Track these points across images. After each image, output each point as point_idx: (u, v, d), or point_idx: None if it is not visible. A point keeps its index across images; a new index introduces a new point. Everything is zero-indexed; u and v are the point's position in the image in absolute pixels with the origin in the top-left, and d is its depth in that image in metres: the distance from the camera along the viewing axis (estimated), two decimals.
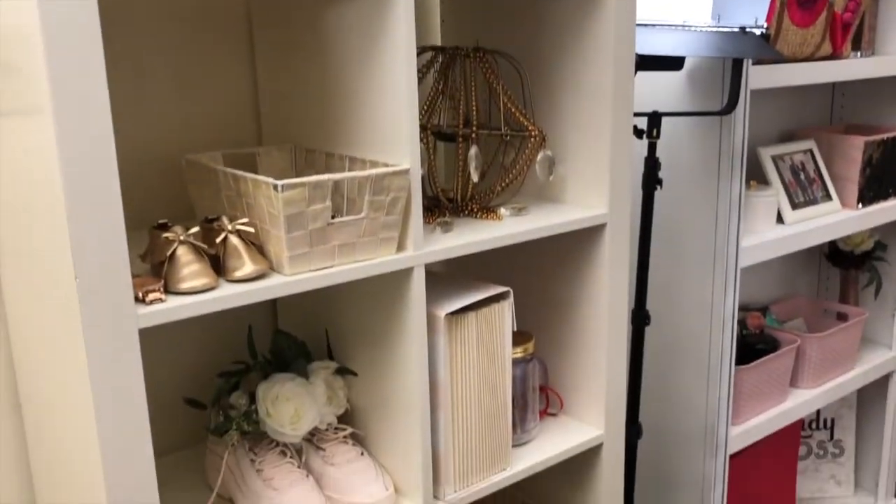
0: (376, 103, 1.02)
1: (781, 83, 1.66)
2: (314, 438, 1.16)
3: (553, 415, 1.40)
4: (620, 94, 1.22)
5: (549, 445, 1.29)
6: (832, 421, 2.30)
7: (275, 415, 1.10)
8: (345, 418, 1.22)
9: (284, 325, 1.34)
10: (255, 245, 0.95)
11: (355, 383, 1.20)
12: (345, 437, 1.17)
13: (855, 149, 1.90)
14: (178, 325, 1.27)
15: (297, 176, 0.99)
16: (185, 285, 0.87)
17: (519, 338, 1.30)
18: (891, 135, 1.95)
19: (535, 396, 1.32)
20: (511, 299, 1.18)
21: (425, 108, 1.22)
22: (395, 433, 1.14)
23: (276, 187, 0.89)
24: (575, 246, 1.30)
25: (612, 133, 1.22)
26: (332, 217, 0.94)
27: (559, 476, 1.42)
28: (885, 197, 2.00)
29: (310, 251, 0.93)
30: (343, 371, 1.19)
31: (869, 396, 2.26)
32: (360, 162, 1.05)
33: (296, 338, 1.19)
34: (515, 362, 1.27)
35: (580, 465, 1.38)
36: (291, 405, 1.10)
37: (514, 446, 1.29)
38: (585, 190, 1.27)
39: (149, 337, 1.24)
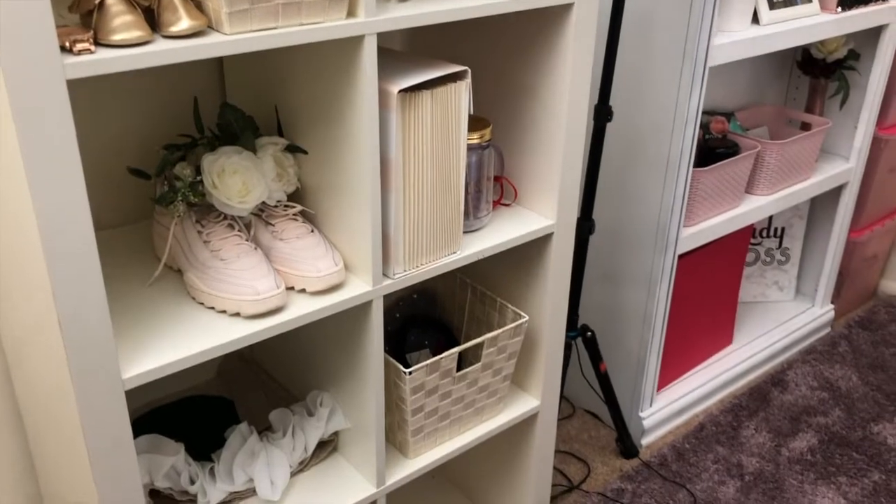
0: None
1: None
2: (263, 214, 1.15)
3: (507, 205, 1.40)
4: None
5: (500, 233, 1.30)
6: (782, 230, 2.36)
7: (221, 187, 1.07)
8: (295, 197, 1.21)
9: (233, 102, 1.29)
10: (193, 0, 0.88)
11: (306, 162, 1.18)
12: (294, 214, 1.16)
13: None
14: (120, 95, 1.22)
15: None
16: (116, 37, 0.81)
17: (476, 123, 1.27)
18: None
19: (490, 185, 1.31)
20: (469, 80, 1.13)
21: None
22: (345, 212, 1.13)
23: None
24: (539, 27, 1.24)
25: None
26: None
27: (510, 265, 1.44)
28: (867, 1, 1.93)
29: (251, 8, 0.87)
30: (293, 149, 1.16)
31: (821, 207, 2.31)
32: None
33: (243, 111, 1.14)
34: (471, 148, 1.25)
35: (530, 254, 1.40)
36: (238, 178, 1.08)
37: (465, 232, 1.29)
38: None
39: (90, 105, 1.19)
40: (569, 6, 1.18)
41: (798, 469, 1.88)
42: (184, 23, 0.85)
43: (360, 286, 1.13)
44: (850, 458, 1.91)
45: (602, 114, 1.54)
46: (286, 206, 1.16)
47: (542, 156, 1.32)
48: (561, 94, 1.25)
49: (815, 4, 1.86)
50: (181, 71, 1.26)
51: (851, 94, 2.14)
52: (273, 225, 1.14)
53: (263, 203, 1.15)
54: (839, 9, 1.87)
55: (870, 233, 2.41)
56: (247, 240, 1.10)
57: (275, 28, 0.90)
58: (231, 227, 1.11)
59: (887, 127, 2.25)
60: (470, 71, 1.13)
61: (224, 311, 1.06)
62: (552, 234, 1.35)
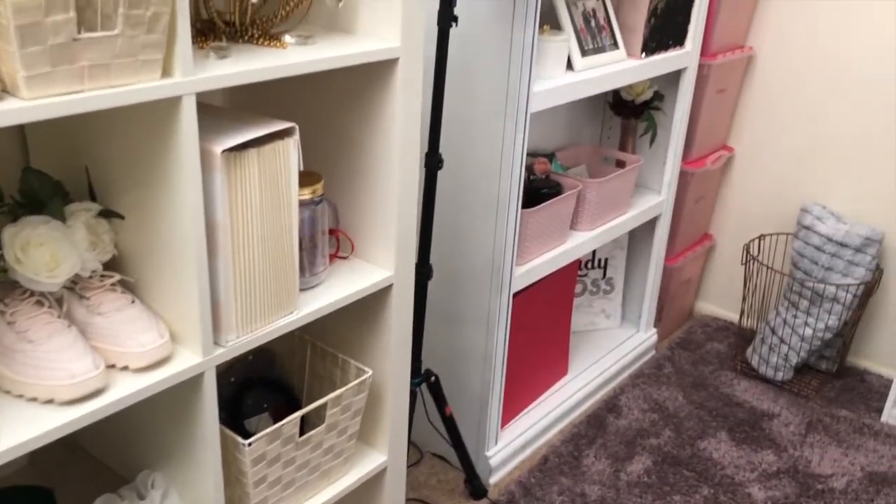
0: None
1: None
2: (77, 287, 1.05)
3: (344, 258, 1.37)
4: None
5: (339, 288, 1.27)
6: (605, 261, 2.48)
7: (27, 262, 0.97)
8: (113, 265, 1.12)
9: (38, 164, 1.18)
10: None
11: (122, 227, 1.09)
12: (112, 284, 1.07)
13: None
14: None
15: None
16: None
17: (307, 178, 1.24)
18: None
19: (325, 239, 1.28)
20: (297, 136, 1.10)
21: None
22: (169, 280, 1.06)
23: None
24: (366, 81, 1.23)
25: None
26: (80, 32, 0.81)
27: (350, 318, 1.41)
28: (666, 48, 2.08)
29: (52, 71, 0.80)
30: (107, 214, 1.08)
31: (639, 238, 2.45)
32: None
33: (49, 176, 1.05)
34: (303, 204, 1.22)
35: (370, 306, 1.37)
36: (46, 250, 0.98)
37: (302, 290, 1.25)
38: (377, 21, 1.19)
39: None
40: (394, 61, 1.18)
41: (637, 492, 1.96)
42: None
43: (190, 358, 1.06)
44: (682, 476, 2.02)
45: (433, 162, 1.56)
46: (102, 276, 1.07)
47: (377, 207, 1.31)
48: (392, 146, 1.25)
49: (622, 51, 1.98)
50: None
51: (659, 133, 2.30)
52: (88, 298, 1.05)
53: (76, 274, 1.05)
54: (643, 55, 2.01)
55: (683, 259, 2.58)
56: (59, 317, 1.01)
57: (81, 91, 0.83)
58: (40, 303, 1.01)
59: (691, 161, 2.43)
60: (297, 127, 1.10)
61: (35, 399, 0.96)
62: (392, 285, 1.33)
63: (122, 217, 1.08)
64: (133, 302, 1.07)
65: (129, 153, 1.03)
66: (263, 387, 1.43)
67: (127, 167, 1.05)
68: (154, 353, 1.02)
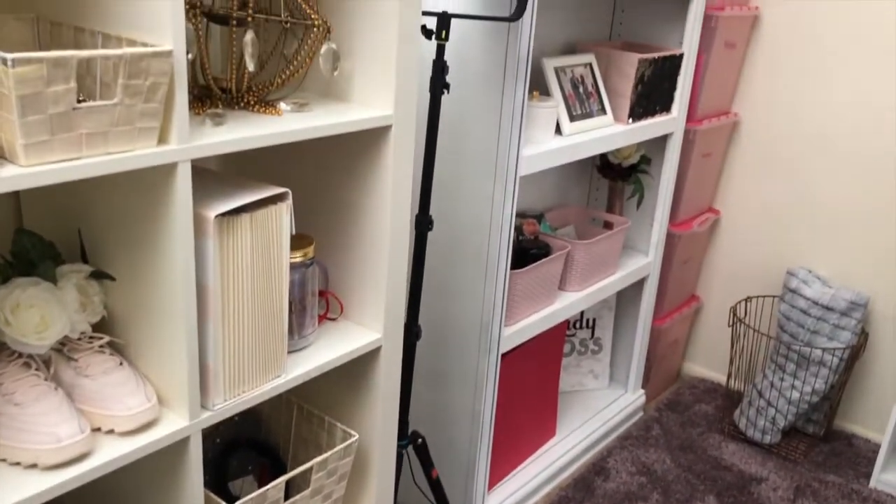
0: None
1: None
2: (65, 349, 1.05)
3: (333, 319, 1.38)
4: None
5: (327, 351, 1.27)
6: (594, 321, 2.49)
7: (15, 323, 0.97)
8: (102, 326, 1.12)
9: (31, 225, 1.19)
10: None
11: (113, 289, 1.10)
12: (101, 346, 1.07)
13: (629, 65, 1.99)
14: None
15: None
16: None
17: (298, 241, 1.25)
18: (661, 54, 2.06)
19: (315, 301, 1.29)
20: (289, 201, 1.12)
21: None
22: (158, 342, 1.06)
23: (4, 62, 0.75)
24: (359, 147, 1.25)
25: (399, 30, 1.17)
26: (80, 101, 0.82)
27: (337, 380, 1.41)
28: (653, 113, 2.13)
29: (51, 139, 0.81)
30: (99, 275, 1.08)
31: (627, 298, 2.47)
32: (115, 40, 0.92)
33: (42, 237, 1.06)
34: (294, 267, 1.23)
35: (358, 368, 1.37)
36: (36, 312, 0.99)
37: (290, 352, 1.25)
38: (371, 89, 1.22)
39: None
40: (387, 128, 1.21)
41: None
42: None
43: (176, 421, 1.06)
44: None
45: (423, 223, 1.57)
46: (91, 337, 1.07)
47: (367, 269, 1.32)
48: (383, 209, 1.26)
49: (610, 116, 2.02)
50: None
51: (646, 195, 2.34)
52: (76, 360, 1.04)
53: (65, 335, 1.05)
54: (630, 120, 2.05)
55: (671, 320, 2.59)
56: (46, 379, 1.00)
57: (78, 158, 0.85)
58: (27, 365, 1.00)
59: (678, 223, 2.46)
60: (290, 192, 1.11)
61: (18, 463, 0.95)
62: (380, 347, 1.33)
63: (113, 279, 1.09)
64: (121, 364, 1.06)
65: (123, 216, 1.04)
66: (249, 448, 1.41)
67: (120, 230, 1.06)
68: (141, 416, 1.02)
